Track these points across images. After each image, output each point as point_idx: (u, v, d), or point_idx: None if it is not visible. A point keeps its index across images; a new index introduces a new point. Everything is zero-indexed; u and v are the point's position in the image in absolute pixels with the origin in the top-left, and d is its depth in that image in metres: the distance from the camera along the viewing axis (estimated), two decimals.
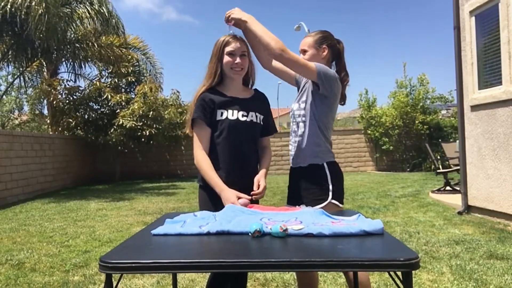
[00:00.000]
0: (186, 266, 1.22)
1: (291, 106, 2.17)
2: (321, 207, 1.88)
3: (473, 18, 5.44)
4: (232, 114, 1.96)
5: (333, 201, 1.99)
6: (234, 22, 1.99)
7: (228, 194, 1.84)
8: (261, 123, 2.05)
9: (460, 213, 5.56)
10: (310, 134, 2.01)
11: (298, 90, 2.17)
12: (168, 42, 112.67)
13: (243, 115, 1.97)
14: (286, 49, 1.85)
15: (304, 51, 2.09)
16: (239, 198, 1.83)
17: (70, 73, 12.93)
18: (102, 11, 10.82)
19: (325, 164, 2.01)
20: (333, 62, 2.13)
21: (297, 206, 1.89)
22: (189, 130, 2.03)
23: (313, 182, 2.02)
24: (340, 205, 2.03)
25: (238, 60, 1.94)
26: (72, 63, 12.15)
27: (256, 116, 2.01)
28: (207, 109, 1.95)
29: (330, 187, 1.99)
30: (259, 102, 2.09)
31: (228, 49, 1.94)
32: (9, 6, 8.86)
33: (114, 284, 1.30)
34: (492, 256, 3.55)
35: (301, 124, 2.03)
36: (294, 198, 2.10)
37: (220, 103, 1.96)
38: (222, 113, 1.96)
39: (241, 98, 2.02)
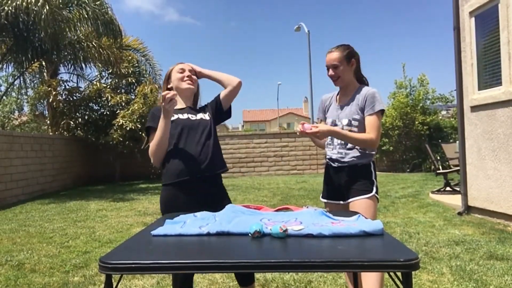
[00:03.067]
0: (186, 266, 1.22)
1: (331, 119, 2.33)
2: (367, 197, 2.18)
3: (473, 18, 5.45)
4: (183, 116, 2.18)
5: (376, 194, 2.24)
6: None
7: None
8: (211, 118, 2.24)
9: (460, 213, 5.56)
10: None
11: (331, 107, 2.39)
12: (169, 43, 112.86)
13: (192, 116, 2.20)
14: (375, 139, 2.19)
15: (336, 67, 2.24)
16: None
17: (72, 75, 12.94)
18: (101, 15, 10.81)
19: (371, 163, 2.28)
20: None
21: (303, 207, 1.90)
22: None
23: (362, 176, 2.24)
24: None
25: (187, 73, 2.22)
26: (73, 65, 12.15)
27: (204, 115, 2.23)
28: (156, 119, 2.11)
29: (375, 182, 2.26)
30: (206, 107, 2.32)
31: (176, 68, 2.25)
32: (7, 7, 8.86)
33: (114, 285, 1.30)
34: (492, 257, 3.55)
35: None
36: (337, 191, 2.32)
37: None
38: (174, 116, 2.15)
39: (191, 106, 2.29)
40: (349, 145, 2.24)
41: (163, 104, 1.94)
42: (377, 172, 2.32)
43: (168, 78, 2.28)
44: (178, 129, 2.11)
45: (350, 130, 2.21)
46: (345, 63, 2.22)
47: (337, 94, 2.37)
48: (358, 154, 2.24)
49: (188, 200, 2.04)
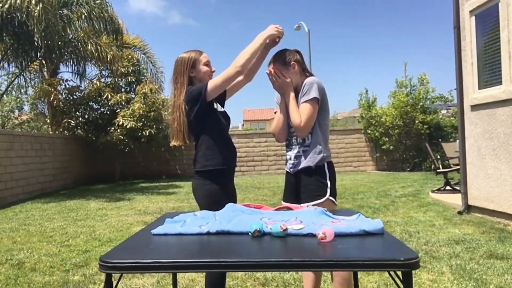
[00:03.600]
0: (186, 266, 1.22)
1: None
2: (318, 203, 2.03)
3: (473, 17, 5.44)
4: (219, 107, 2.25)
5: (331, 197, 2.12)
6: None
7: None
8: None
9: (460, 212, 5.56)
10: (314, 142, 2.16)
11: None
12: (172, 45, 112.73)
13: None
14: (302, 126, 2.13)
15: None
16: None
17: (75, 74, 12.95)
18: (102, 14, 10.81)
19: (325, 164, 2.16)
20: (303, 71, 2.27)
21: (301, 205, 1.90)
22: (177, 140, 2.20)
23: (313, 179, 2.14)
24: (336, 202, 2.13)
25: (213, 68, 2.26)
26: (74, 64, 12.14)
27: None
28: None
29: (328, 184, 2.13)
30: None
31: (203, 59, 2.23)
32: (7, 6, 8.86)
33: (114, 284, 1.30)
34: (492, 256, 3.55)
35: (308, 135, 2.17)
36: (291, 195, 2.25)
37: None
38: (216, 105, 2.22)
39: None
40: (306, 149, 2.17)
41: (275, 32, 2.10)
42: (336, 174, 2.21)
43: (192, 66, 2.20)
44: (227, 121, 2.26)
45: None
46: (284, 68, 2.20)
47: None
48: (314, 157, 2.15)
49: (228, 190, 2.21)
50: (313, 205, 2.02)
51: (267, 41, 2.13)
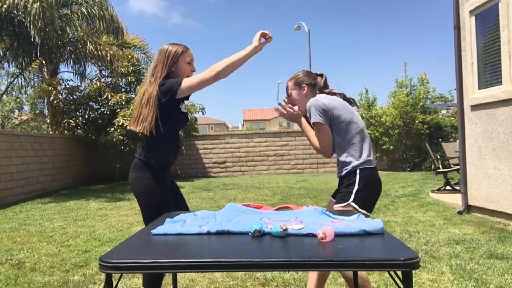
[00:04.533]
0: (186, 266, 1.22)
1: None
2: (339, 207, 2.13)
3: (473, 17, 5.44)
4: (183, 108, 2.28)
5: (353, 203, 2.13)
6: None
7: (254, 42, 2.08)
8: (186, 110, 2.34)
9: (460, 212, 5.56)
10: (340, 155, 2.26)
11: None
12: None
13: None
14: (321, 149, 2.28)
15: (289, 95, 2.39)
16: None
17: (75, 74, 12.94)
18: (101, 13, 10.81)
19: (357, 171, 2.19)
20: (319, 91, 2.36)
21: (303, 206, 1.90)
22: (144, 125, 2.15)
23: (343, 185, 2.23)
24: (361, 210, 2.12)
25: (195, 68, 2.25)
26: (74, 64, 12.14)
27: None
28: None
29: (354, 190, 2.15)
30: None
31: (187, 57, 2.21)
32: (6, 6, 8.87)
33: (114, 284, 1.30)
34: (492, 256, 3.55)
35: (334, 152, 2.32)
36: (333, 197, 2.37)
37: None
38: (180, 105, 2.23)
39: None
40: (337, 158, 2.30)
41: (264, 39, 2.04)
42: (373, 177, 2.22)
43: (175, 60, 2.17)
44: (183, 123, 2.30)
45: None
46: (296, 90, 2.34)
47: None
48: (343, 164, 2.24)
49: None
50: (337, 208, 2.15)
51: (255, 53, 2.08)
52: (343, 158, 2.22)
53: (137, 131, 2.17)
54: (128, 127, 2.32)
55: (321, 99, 2.20)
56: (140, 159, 2.21)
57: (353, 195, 2.13)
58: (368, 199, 2.18)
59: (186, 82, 2.05)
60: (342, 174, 2.23)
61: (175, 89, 2.05)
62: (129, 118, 11.06)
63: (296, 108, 2.32)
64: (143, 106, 2.13)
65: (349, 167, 2.19)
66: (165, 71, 2.15)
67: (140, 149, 2.24)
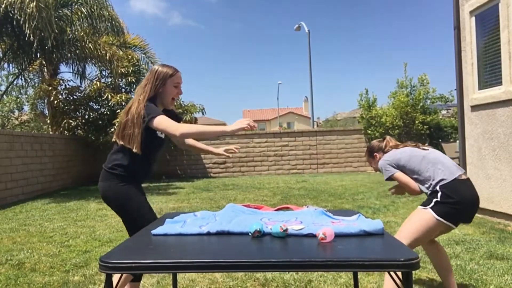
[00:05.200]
0: (186, 266, 1.22)
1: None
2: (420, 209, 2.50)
3: (473, 18, 5.44)
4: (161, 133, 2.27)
5: (430, 209, 2.45)
6: None
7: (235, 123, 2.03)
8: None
9: None
10: (422, 187, 2.61)
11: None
12: (173, 47, 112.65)
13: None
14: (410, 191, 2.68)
15: (371, 164, 2.94)
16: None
17: (75, 74, 12.94)
18: (101, 13, 10.82)
19: (437, 188, 2.48)
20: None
21: (303, 206, 1.91)
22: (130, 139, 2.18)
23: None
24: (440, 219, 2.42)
25: (180, 91, 2.30)
26: (74, 64, 12.14)
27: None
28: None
29: (434, 199, 2.46)
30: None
31: (175, 79, 2.26)
32: (3, 6, 8.87)
33: (114, 284, 1.30)
34: (492, 256, 3.55)
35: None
36: None
37: None
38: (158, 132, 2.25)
39: None
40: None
41: (245, 125, 1.90)
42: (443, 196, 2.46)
43: (163, 82, 2.23)
44: (158, 146, 2.32)
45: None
46: (371, 160, 2.89)
47: None
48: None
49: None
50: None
51: (227, 133, 2.08)
52: (424, 189, 2.59)
53: (124, 144, 2.19)
54: (113, 139, 2.40)
55: (385, 158, 2.70)
56: (108, 171, 2.24)
57: (432, 203, 2.45)
58: (447, 210, 2.42)
59: (155, 122, 2.09)
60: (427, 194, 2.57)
61: (149, 118, 2.10)
62: None
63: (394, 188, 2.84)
64: (134, 125, 2.15)
65: (431, 191, 2.52)
66: (153, 92, 2.21)
67: (113, 163, 2.24)
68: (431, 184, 2.52)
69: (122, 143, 2.19)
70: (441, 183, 2.47)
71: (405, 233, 2.44)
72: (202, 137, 2.06)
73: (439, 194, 2.44)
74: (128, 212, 2.22)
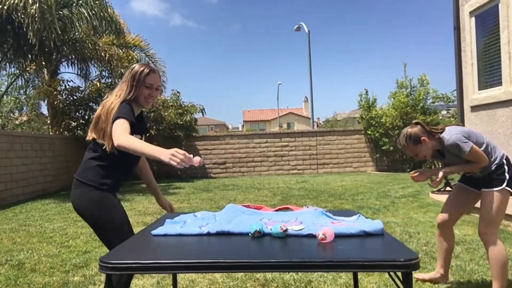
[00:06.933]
0: (186, 266, 1.22)
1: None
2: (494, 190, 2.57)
3: (473, 18, 5.45)
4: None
5: (507, 188, 2.59)
6: None
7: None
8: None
9: None
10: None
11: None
12: (174, 47, 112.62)
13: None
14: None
15: (415, 154, 2.70)
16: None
17: (78, 75, 12.95)
18: (101, 13, 10.82)
19: (504, 161, 2.64)
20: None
21: (303, 207, 1.91)
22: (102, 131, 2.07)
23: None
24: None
25: (154, 92, 2.18)
26: (76, 65, 12.16)
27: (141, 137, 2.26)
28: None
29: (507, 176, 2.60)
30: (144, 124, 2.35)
31: (149, 79, 2.14)
32: (6, 7, 8.88)
33: (114, 284, 1.30)
34: None
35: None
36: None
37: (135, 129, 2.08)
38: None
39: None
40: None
41: (176, 162, 1.67)
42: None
43: (141, 81, 2.12)
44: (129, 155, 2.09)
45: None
46: (418, 147, 2.64)
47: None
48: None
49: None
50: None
51: (156, 157, 1.81)
52: (492, 163, 2.61)
53: (95, 138, 2.08)
54: (87, 137, 2.21)
55: (454, 132, 2.55)
56: (80, 180, 2.11)
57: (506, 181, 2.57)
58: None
59: (116, 123, 1.96)
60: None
61: (114, 118, 1.99)
62: None
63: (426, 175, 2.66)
64: (107, 120, 2.04)
65: (496, 165, 2.60)
66: (127, 90, 2.12)
67: (85, 173, 2.12)
68: (497, 156, 2.61)
69: (95, 136, 2.08)
70: (505, 156, 2.64)
71: (492, 218, 2.57)
72: (137, 154, 1.88)
73: (506, 167, 2.58)
74: (105, 225, 2.09)
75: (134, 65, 2.20)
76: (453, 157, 2.64)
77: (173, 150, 1.71)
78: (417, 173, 2.66)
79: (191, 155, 1.73)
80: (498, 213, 2.55)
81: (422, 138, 2.62)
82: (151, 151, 1.78)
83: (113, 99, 2.10)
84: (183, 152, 1.69)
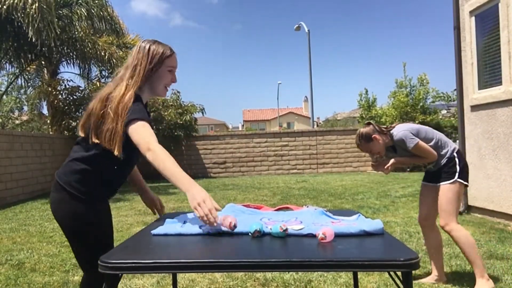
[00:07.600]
0: (186, 266, 1.22)
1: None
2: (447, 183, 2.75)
3: (473, 18, 5.44)
4: None
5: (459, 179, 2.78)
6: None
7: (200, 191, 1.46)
8: None
9: (460, 213, 5.55)
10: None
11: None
12: (174, 47, 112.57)
13: None
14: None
15: (369, 152, 2.94)
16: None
17: (80, 75, 12.95)
18: (101, 13, 10.83)
19: (454, 155, 2.82)
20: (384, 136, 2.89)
21: (303, 206, 1.91)
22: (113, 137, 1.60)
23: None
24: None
25: (175, 78, 1.77)
26: (77, 64, 12.16)
27: None
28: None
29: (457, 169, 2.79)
30: None
31: (171, 62, 1.73)
32: (5, 7, 8.88)
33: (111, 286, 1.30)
34: (492, 256, 3.55)
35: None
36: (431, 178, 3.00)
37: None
38: None
39: None
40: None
41: (206, 215, 1.39)
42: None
43: (160, 61, 1.70)
44: (133, 160, 1.81)
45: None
46: (370, 145, 2.85)
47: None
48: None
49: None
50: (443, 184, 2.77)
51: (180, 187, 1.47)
52: (440, 160, 2.79)
53: (97, 142, 1.62)
54: (76, 132, 1.74)
55: (401, 129, 2.75)
56: (60, 184, 1.73)
57: (457, 173, 2.74)
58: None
59: (137, 125, 1.56)
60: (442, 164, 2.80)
61: (129, 119, 1.57)
62: None
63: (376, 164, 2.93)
64: (118, 117, 1.57)
65: (446, 160, 2.78)
66: (142, 75, 1.67)
67: (67, 177, 1.72)
68: (448, 150, 2.78)
69: (97, 141, 1.61)
70: (456, 150, 2.80)
71: (449, 209, 2.72)
72: (161, 172, 1.48)
73: (457, 160, 2.75)
74: (79, 241, 1.81)
75: (146, 44, 1.71)
76: (404, 152, 2.82)
77: (206, 197, 1.40)
78: (375, 164, 2.93)
79: (221, 217, 1.43)
80: (454, 204, 2.74)
81: (373, 136, 2.82)
82: (182, 180, 1.44)
83: (124, 90, 1.62)
84: (212, 205, 1.39)
